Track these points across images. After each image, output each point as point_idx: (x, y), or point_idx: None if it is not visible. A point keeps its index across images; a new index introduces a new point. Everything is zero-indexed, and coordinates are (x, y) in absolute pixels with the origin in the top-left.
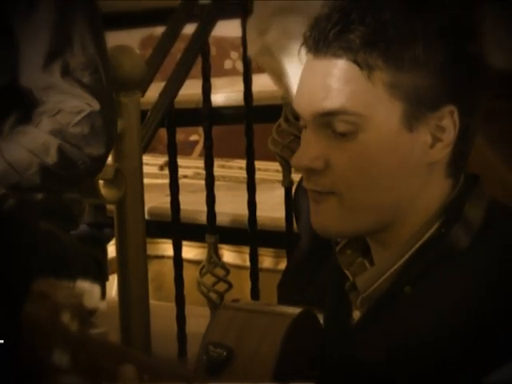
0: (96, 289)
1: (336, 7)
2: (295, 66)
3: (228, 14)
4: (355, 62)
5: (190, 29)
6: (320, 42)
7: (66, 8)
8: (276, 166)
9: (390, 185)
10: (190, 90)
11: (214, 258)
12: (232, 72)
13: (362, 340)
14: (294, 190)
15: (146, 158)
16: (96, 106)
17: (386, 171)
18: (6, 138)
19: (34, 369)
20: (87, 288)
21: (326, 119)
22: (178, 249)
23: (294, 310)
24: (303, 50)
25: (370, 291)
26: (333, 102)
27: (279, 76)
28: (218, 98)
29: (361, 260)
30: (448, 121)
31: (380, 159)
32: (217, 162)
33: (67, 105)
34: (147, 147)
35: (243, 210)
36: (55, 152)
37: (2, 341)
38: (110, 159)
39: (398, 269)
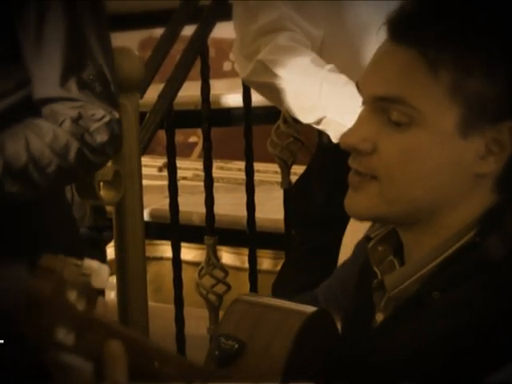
0: (104, 269)
1: None
2: (296, 77)
3: (227, 16)
4: (425, 56)
5: (189, 30)
6: (397, 27)
7: (75, 20)
8: (275, 167)
9: (432, 185)
10: (189, 91)
11: (212, 259)
12: (231, 74)
13: (383, 343)
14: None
15: (144, 160)
16: (115, 114)
17: (431, 171)
18: (29, 126)
19: (38, 344)
20: (95, 267)
21: (383, 104)
22: (176, 250)
23: (309, 309)
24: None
25: (396, 291)
26: (393, 89)
27: (277, 91)
28: (222, 100)
29: (391, 259)
30: (506, 136)
31: (427, 158)
32: (216, 164)
33: (88, 112)
34: (146, 149)
35: (242, 211)
36: (74, 155)
37: (1, 341)
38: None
39: (427, 272)
